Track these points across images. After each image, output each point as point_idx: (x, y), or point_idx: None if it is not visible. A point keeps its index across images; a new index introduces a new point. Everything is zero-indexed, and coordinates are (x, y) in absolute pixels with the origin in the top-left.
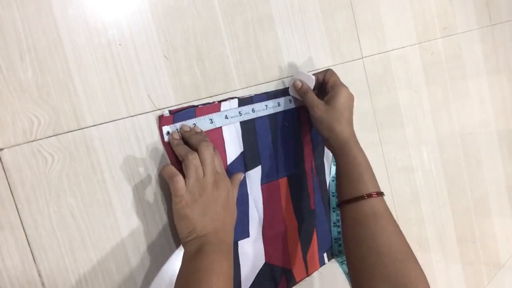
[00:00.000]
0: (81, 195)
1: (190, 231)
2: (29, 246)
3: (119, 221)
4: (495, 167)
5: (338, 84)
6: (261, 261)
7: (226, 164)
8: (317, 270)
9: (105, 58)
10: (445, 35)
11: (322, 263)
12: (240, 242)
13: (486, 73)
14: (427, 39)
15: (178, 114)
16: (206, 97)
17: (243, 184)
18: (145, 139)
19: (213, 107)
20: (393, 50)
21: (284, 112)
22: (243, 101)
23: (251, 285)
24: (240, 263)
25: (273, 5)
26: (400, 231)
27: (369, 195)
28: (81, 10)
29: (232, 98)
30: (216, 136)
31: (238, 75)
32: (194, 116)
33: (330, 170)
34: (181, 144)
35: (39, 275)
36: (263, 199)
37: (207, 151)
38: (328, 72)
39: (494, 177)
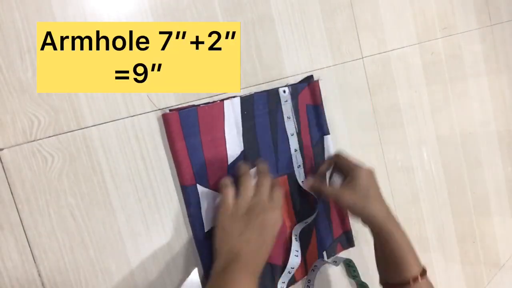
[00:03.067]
0: (81, 195)
1: (223, 244)
2: (29, 246)
3: (119, 221)
4: (495, 167)
5: (353, 167)
6: None
7: (226, 163)
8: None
9: None
10: (445, 35)
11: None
12: None
13: (486, 73)
14: (427, 39)
15: (182, 112)
16: (206, 97)
17: None
18: (145, 139)
19: (216, 106)
20: (393, 50)
21: (283, 108)
22: (244, 100)
23: None
24: None
25: (273, 5)
26: None
27: (415, 279)
28: (81, 10)
29: (234, 96)
30: (217, 136)
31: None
32: (197, 116)
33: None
34: (244, 164)
35: (39, 275)
36: None
37: (266, 179)
38: (335, 157)
39: (494, 177)
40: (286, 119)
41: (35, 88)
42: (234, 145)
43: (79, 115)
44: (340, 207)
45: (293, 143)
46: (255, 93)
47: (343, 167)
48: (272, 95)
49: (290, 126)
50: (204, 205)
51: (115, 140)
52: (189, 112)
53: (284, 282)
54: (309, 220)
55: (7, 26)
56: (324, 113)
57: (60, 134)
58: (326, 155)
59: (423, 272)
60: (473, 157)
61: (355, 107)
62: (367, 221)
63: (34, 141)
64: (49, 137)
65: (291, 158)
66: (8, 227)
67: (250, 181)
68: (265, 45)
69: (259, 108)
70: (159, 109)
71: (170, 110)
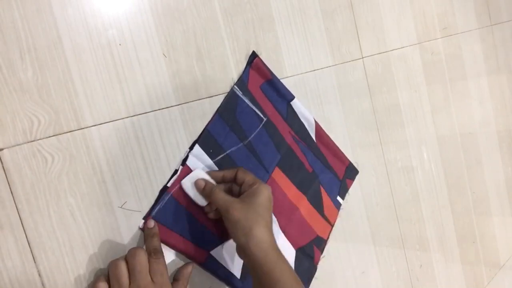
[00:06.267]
0: (81, 195)
1: None
2: (29, 246)
3: (119, 221)
4: (495, 167)
5: (258, 182)
6: (292, 252)
7: None
8: (337, 216)
9: (105, 58)
10: (445, 35)
11: (338, 206)
12: None
13: (486, 73)
14: (427, 39)
15: (156, 212)
16: (206, 97)
17: None
18: (145, 139)
19: (183, 172)
20: (393, 50)
21: (239, 107)
22: (203, 140)
23: None
24: None
25: (273, 5)
26: None
27: None
28: (81, 10)
29: (191, 147)
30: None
31: (239, 75)
32: (174, 200)
33: (307, 115)
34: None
35: (39, 275)
36: None
37: (134, 258)
38: (239, 170)
39: (494, 177)
40: (249, 117)
41: (35, 88)
42: None
43: (79, 115)
44: (225, 221)
45: (265, 135)
46: (208, 125)
47: (247, 180)
48: (230, 99)
49: (255, 120)
50: None
51: (115, 140)
52: (166, 204)
53: None
54: None
55: (7, 26)
56: (280, 82)
57: (60, 134)
58: (302, 119)
59: None
60: (473, 157)
61: (355, 107)
62: (249, 246)
63: (34, 141)
64: (49, 137)
65: (273, 148)
66: (8, 227)
67: (115, 272)
68: (265, 45)
69: (220, 133)
70: (139, 211)
71: (143, 218)
